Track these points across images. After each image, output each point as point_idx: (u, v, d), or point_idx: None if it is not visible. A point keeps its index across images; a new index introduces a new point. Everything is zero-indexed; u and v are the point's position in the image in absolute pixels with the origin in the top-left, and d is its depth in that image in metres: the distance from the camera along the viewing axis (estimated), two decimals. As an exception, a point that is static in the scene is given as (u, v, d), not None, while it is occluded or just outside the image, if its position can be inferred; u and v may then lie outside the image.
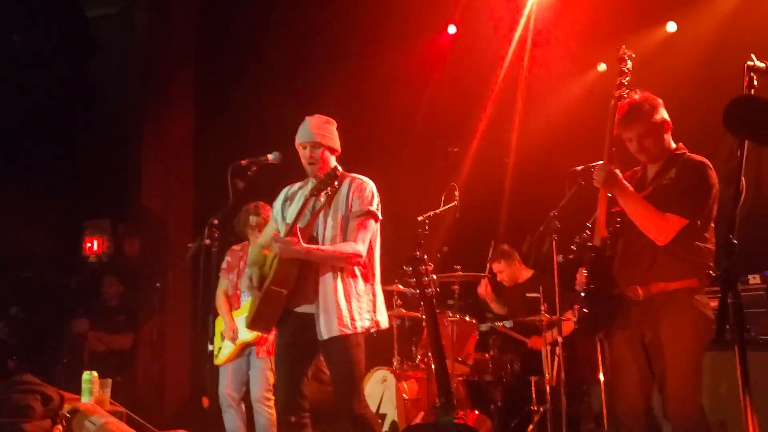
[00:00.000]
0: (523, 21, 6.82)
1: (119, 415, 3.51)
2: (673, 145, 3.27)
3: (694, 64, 5.84)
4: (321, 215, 3.49)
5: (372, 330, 3.47)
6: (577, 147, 6.58)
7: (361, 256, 3.40)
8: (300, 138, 3.60)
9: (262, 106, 7.18)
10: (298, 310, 3.43)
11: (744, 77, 2.23)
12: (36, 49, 6.97)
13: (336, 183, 3.42)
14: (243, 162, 3.54)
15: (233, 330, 4.70)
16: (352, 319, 3.36)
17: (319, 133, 3.58)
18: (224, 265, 4.97)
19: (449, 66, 7.39)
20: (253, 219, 4.85)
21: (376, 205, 3.52)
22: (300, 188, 3.66)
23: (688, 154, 3.23)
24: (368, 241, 3.45)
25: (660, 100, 3.34)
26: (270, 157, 3.60)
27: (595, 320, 3.16)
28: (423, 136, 7.80)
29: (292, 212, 3.53)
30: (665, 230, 2.99)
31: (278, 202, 3.70)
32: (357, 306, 3.40)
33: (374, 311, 3.48)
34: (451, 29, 7.35)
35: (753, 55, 2.26)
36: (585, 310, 3.13)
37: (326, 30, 7.30)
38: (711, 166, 3.15)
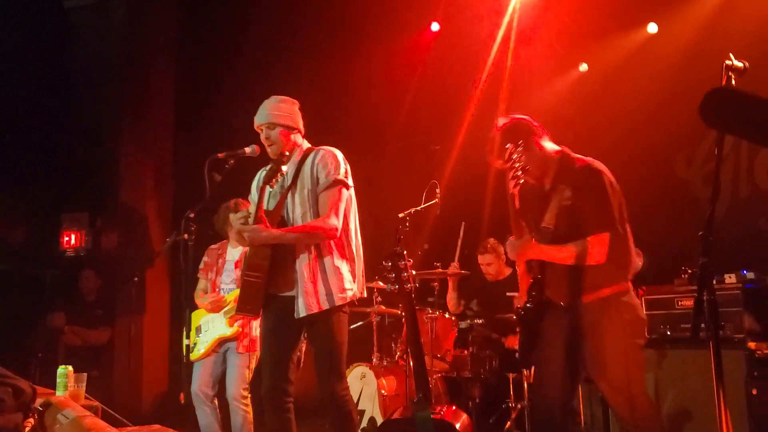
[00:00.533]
0: (506, 20, 6.83)
1: (94, 410, 3.48)
2: (553, 149, 3.25)
3: (675, 65, 5.89)
4: (288, 195, 3.47)
5: (355, 300, 3.46)
6: (558, 144, 6.62)
7: (336, 229, 3.36)
8: (256, 121, 3.58)
9: (242, 100, 7.11)
10: (282, 294, 3.42)
11: (722, 76, 2.26)
12: (12, 40, 6.86)
13: (283, 167, 3.39)
14: (220, 155, 3.51)
15: (219, 298, 4.65)
16: (331, 293, 3.35)
17: (273, 113, 3.55)
18: (202, 265, 4.93)
19: (432, 63, 7.40)
20: (233, 216, 4.82)
21: (344, 173, 3.47)
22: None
23: (572, 159, 3.20)
24: (342, 211, 3.42)
25: (523, 120, 3.28)
26: (247, 150, 3.57)
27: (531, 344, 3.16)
28: (405, 133, 7.81)
29: (257, 197, 3.50)
30: (599, 254, 2.98)
31: (253, 186, 3.69)
32: (336, 280, 3.38)
33: (354, 281, 3.46)
34: (435, 26, 7.35)
35: (731, 55, 2.28)
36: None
37: (309, 25, 7.28)
38: (597, 166, 3.14)
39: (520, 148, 3.06)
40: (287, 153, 3.47)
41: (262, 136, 3.53)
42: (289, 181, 3.45)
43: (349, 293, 3.41)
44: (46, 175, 7.31)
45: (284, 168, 3.42)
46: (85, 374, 3.67)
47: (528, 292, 3.12)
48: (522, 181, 3.08)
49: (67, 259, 7.30)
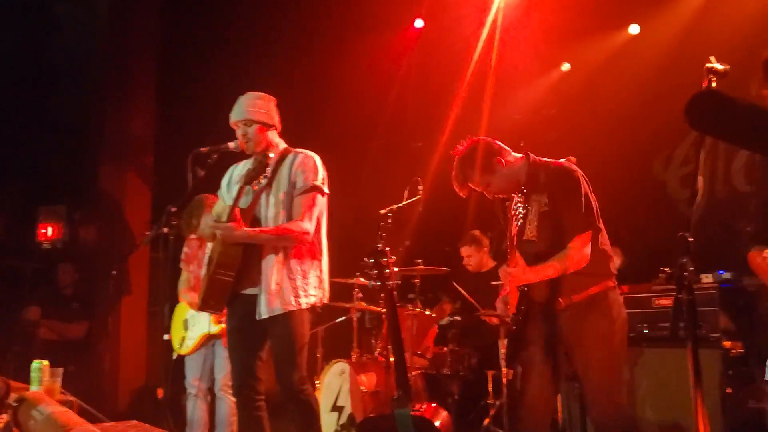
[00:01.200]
0: (490, 18, 6.85)
1: (69, 405, 3.44)
2: (518, 160, 3.27)
3: (656, 66, 5.94)
4: (263, 195, 3.45)
5: (318, 306, 3.46)
6: (540, 144, 6.65)
7: (308, 234, 3.36)
8: (232, 117, 3.55)
9: (225, 95, 7.05)
10: (245, 292, 3.39)
11: (704, 79, 2.28)
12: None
13: (267, 169, 3.36)
14: (203, 149, 3.49)
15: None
16: (296, 296, 3.34)
17: (249, 109, 3.52)
18: (182, 255, 4.90)
19: (416, 61, 7.39)
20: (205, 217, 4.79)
21: (321, 179, 3.47)
22: (244, 167, 3.59)
23: (539, 164, 3.22)
24: (315, 217, 3.41)
25: (481, 142, 3.28)
26: (231, 145, 3.55)
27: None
28: (388, 130, 7.79)
29: (232, 194, 3.47)
30: (582, 257, 3.02)
31: (224, 182, 3.66)
32: (302, 283, 3.37)
33: (320, 287, 3.46)
34: (419, 23, 7.34)
35: (712, 58, 2.30)
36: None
37: (293, 20, 7.24)
38: (568, 166, 3.18)
39: (486, 178, 3.15)
40: (270, 153, 3.43)
41: (239, 133, 3.50)
42: (264, 181, 3.41)
43: (313, 299, 3.41)
44: (23, 166, 7.23)
45: (268, 169, 3.38)
46: (61, 369, 3.63)
47: (517, 306, 3.15)
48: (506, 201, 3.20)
49: (44, 252, 7.23)
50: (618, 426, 3.03)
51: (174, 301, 4.78)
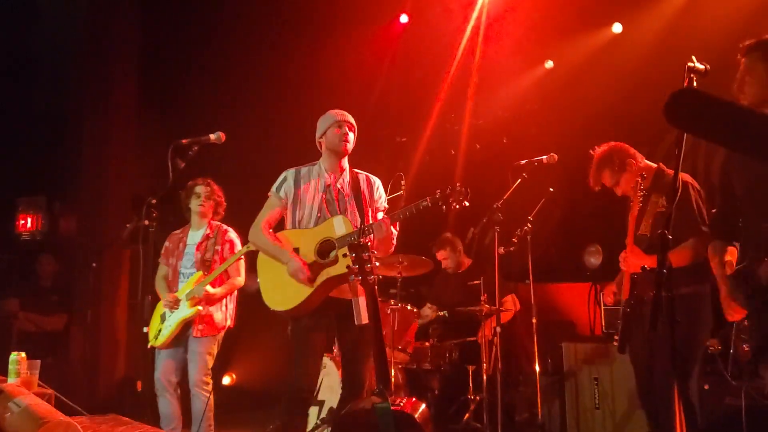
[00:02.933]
0: (475, 14, 6.86)
1: (47, 397, 3.42)
2: (652, 166, 3.71)
3: (637, 65, 5.97)
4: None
5: None
6: (523, 141, 6.69)
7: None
8: (347, 117, 3.73)
9: (207, 88, 7.05)
10: (341, 298, 3.52)
11: (684, 78, 2.30)
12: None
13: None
14: (184, 141, 3.47)
15: (172, 300, 4.61)
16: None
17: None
18: (162, 250, 4.88)
19: (400, 56, 7.38)
20: (200, 188, 4.80)
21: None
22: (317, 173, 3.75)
23: (665, 173, 3.64)
24: None
25: (618, 146, 3.79)
26: (212, 136, 3.54)
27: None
28: (372, 125, 7.77)
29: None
30: (699, 253, 3.39)
31: (290, 182, 3.72)
32: None
33: None
34: (403, 18, 7.34)
35: (693, 57, 2.33)
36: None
37: (276, 14, 7.20)
38: (689, 179, 3.59)
39: (616, 177, 3.71)
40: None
41: (342, 132, 3.68)
42: (347, 187, 3.70)
43: None
44: (2, 156, 7.13)
45: None
46: (39, 361, 3.60)
47: (630, 292, 3.52)
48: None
49: (23, 243, 7.14)
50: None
51: (154, 293, 4.75)
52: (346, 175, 3.75)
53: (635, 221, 3.51)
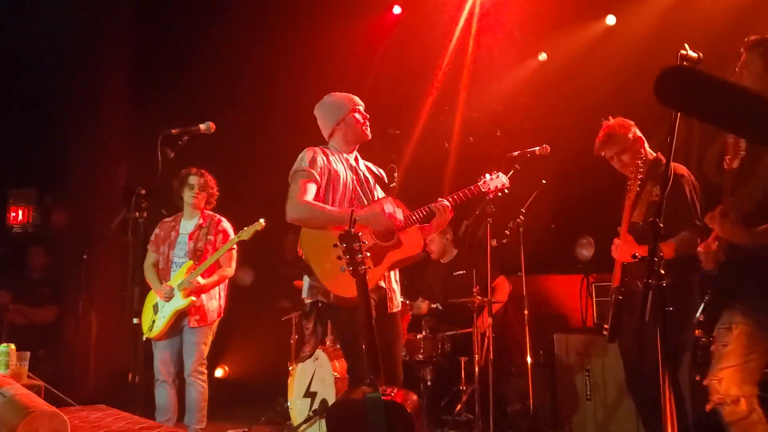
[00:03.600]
0: (468, 6, 6.84)
1: (37, 389, 3.41)
2: (652, 155, 3.71)
3: (632, 56, 5.96)
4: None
5: None
6: (516, 133, 6.68)
7: None
8: (357, 102, 3.63)
9: (198, 77, 7.01)
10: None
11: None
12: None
13: None
14: (174, 131, 3.44)
15: (167, 290, 4.59)
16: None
17: None
18: (152, 237, 4.85)
19: (393, 47, 7.35)
20: (193, 178, 4.78)
21: None
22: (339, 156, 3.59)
23: (662, 160, 3.59)
24: None
25: (631, 123, 3.78)
26: (202, 126, 3.52)
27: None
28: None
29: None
30: (690, 246, 3.37)
31: (322, 159, 3.45)
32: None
33: None
34: (396, 10, 7.30)
35: (686, 45, 2.32)
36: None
37: (268, 6, 7.16)
38: (684, 172, 3.59)
39: (622, 150, 3.69)
40: None
41: (367, 118, 3.63)
42: (363, 169, 3.62)
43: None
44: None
45: None
46: (28, 353, 3.60)
47: (621, 279, 3.56)
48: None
49: (14, 236, 7.11)
50: None
51: (145, 284, 4.74)
52: (360, 162, 3.65)
53: (630, 209, 3.51)
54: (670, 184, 3.17)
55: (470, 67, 6.98)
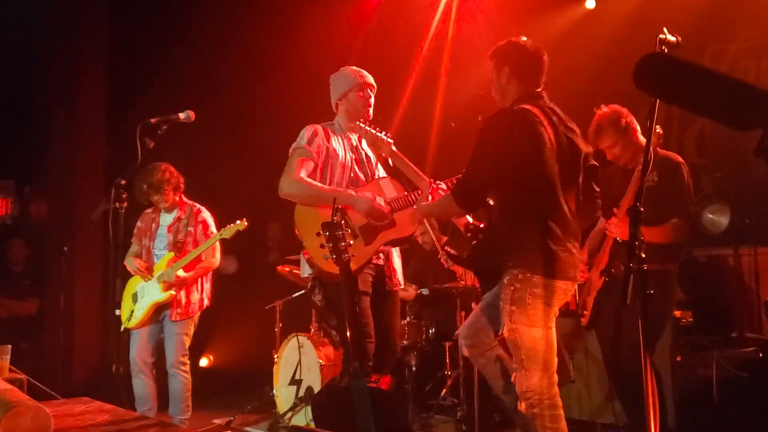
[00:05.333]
0: (448, -10, 6.81)
1: (19, 383, 3.38)
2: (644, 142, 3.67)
3: (611, 40, 5.98)
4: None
5: None
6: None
7: None
8: (368, 78, 3.64)
9: (176, 66, 6.93)
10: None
11: (656, 49, 2.30)
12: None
13: None
14: (152, 120, 3.41)
15: (145, 266, 4.59)
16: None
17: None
18: (135, 230, 4.83)
19: (373, 33, 7.31)
20: (154, 184, 4.70)
21: None
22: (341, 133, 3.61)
23: (661, 151, 3.63)
24: None
25: (623, 111, 3.71)
26: (181, 115, 3.49)
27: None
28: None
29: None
30: (680, 234, 3.48)
31: (322, 137, 3.50)
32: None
33: None
34: (377, -6, 7.26)
35: (665, 29, 2.33)
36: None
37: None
38: (681, 160, 3.60)
39: (617, 139, 3.62)
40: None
41: (367, 94, 3.60)
42: (366, 148, 3.65)
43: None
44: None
45: None
46: (9, 346, 3.57)
47: (608, 263, 3.58)
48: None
49: (-7, 228, 7.05)
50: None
51: (126, 276, 4.71)
52: (364, 140, 3.61)
53: (632, 192, 3.49)
54: (651, 165, 3.25)
55: (450, 52, 6.96)
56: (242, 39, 7.00)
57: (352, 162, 3.52)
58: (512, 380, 2.85)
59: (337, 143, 3.52)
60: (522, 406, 2.76)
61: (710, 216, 5.17)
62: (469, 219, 3.12)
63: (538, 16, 6.62)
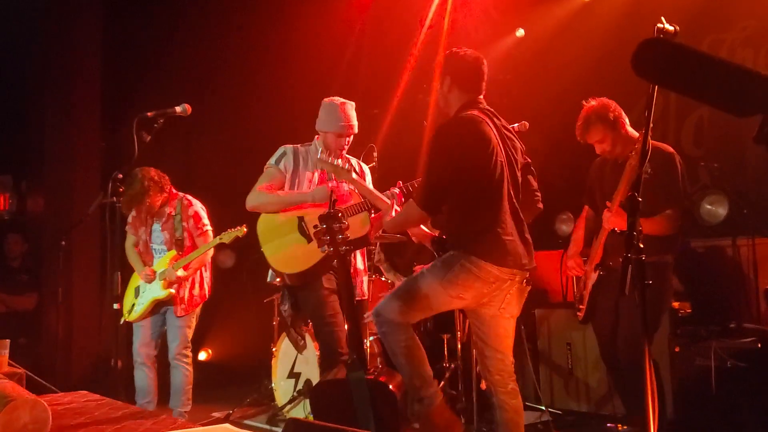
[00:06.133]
0: (444, -18, 6.79)
1: (18, 377, 3.38)
2: (634, 135, 3.68)
3: (609, 31, 5.96)
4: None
5: None
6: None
7: None
8: (352, 121, 3.88)
9: (173, 60, 6.91)
10: None
11: (653, 39, 2.29)
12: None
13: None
14: (149, 114, 3.40)
15: (151, 272, 4.58)
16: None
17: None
18: (129, 219, 4.80)
19: (370, 25, 7.29)
20: (138, 195, 4.65)
21: None
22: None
23: (653, 143, 3.55)
24: None
25: (611, 104, 3.73)
26: (177, 109, 3.49)
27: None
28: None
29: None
30: (674, 225, 3.51)
31: (290, 158, 3.83)
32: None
33: None
34: (373, -12, 7.24)
35: (663, 18, 2.32)
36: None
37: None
38: (673, 151, 3.61)
39: (607, 133, 3.65)
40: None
41: (341, 142, 3.84)
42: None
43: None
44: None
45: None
46: (8, 340, 3.57)
47: (603, 256, 3.64)
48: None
49: (-10, 223, 7.04)
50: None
51: (124, 269, 4.70)
52: (340, 161, 3.81)
53: (626, 183, 3.50)
54: (648, 157, 3.24)
55: (446, 44, 6.94)
56: (239, 32, 6.98)
57: (318, 178, 3.81)
58: (481, 387, 2.97)
59: (305, 168, 3.84)
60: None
61: (708, 207, 5.17)
62: (425, 229, 3.26)
63: (536, 7, 6.61)
